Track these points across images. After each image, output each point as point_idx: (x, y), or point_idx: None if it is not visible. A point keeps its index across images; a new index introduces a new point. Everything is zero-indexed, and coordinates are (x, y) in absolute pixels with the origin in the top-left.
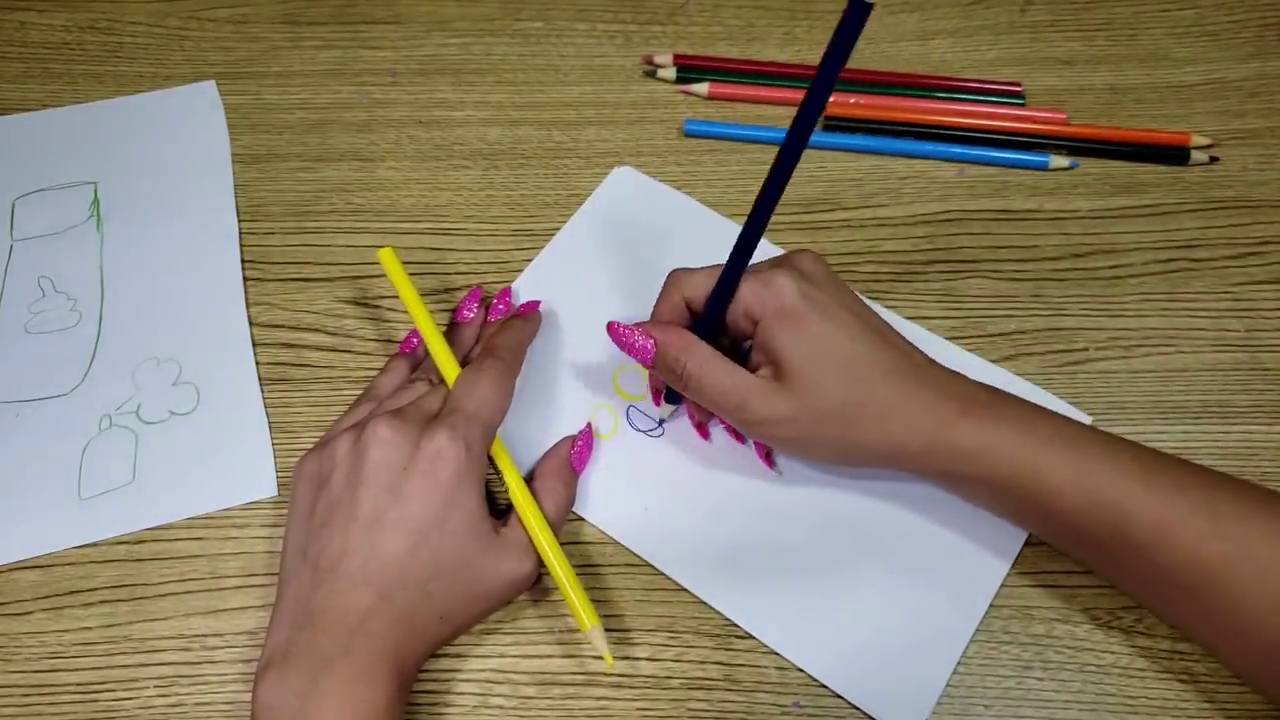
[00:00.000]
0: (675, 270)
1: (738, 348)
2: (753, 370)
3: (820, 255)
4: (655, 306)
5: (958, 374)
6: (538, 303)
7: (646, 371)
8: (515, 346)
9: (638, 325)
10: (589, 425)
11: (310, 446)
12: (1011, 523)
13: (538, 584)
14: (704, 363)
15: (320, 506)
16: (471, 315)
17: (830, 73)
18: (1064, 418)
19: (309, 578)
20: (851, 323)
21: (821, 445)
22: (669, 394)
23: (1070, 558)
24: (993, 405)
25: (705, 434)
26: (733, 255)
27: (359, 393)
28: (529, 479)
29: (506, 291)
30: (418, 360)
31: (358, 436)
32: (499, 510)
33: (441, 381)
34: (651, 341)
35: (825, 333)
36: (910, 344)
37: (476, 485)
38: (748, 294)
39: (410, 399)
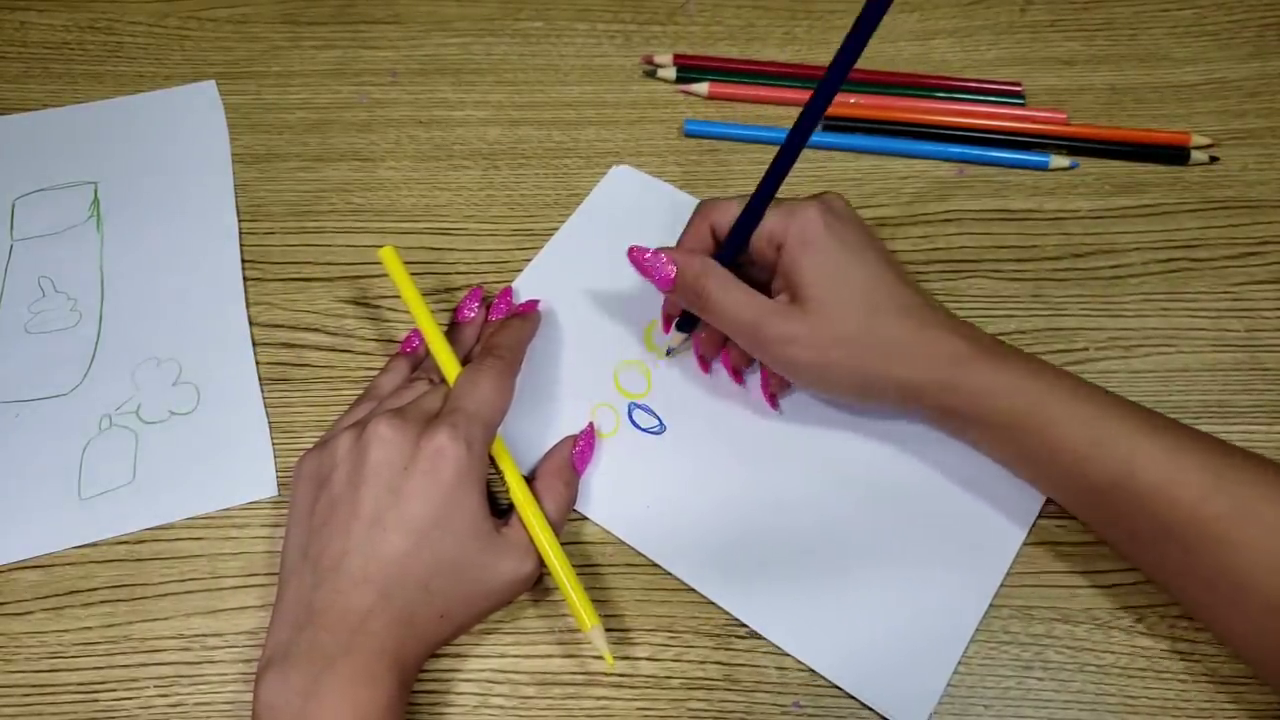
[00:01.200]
0: (705, 200)
1: (759, 288)
2: (774, 295)
3: (845, 197)
4: (682, 233)
5: (969, 323)
6: (536, 301)
7: (646, 371)
8: (515, 345)
9: (660, 249)
10: (590, 425)
11: (310, 446)
12: (1013, 470)
13: (538, 584)
14: (723, 283)
15: (321, 505)
16: (472, 315)
17: (859, 40)
18: (1070, 372)
19: (310, 577)
20: (872, 259)
21: (832, 371)
22: (680, 322)
23: (1069, 512)
24: (1002, 350)
25: (706, 367)
26: (762, 182)
27: (359, 393)
28: (530, 479)
29: (507, 291)
30: (418, 360)
31: (358, 435)
32: (501, 510)
33: (442, 381)
34: (674, 265)
35: (846, 262)
36: (924, 290)
37: (477, 484)
38: (774, 221)
39: (411, 398)
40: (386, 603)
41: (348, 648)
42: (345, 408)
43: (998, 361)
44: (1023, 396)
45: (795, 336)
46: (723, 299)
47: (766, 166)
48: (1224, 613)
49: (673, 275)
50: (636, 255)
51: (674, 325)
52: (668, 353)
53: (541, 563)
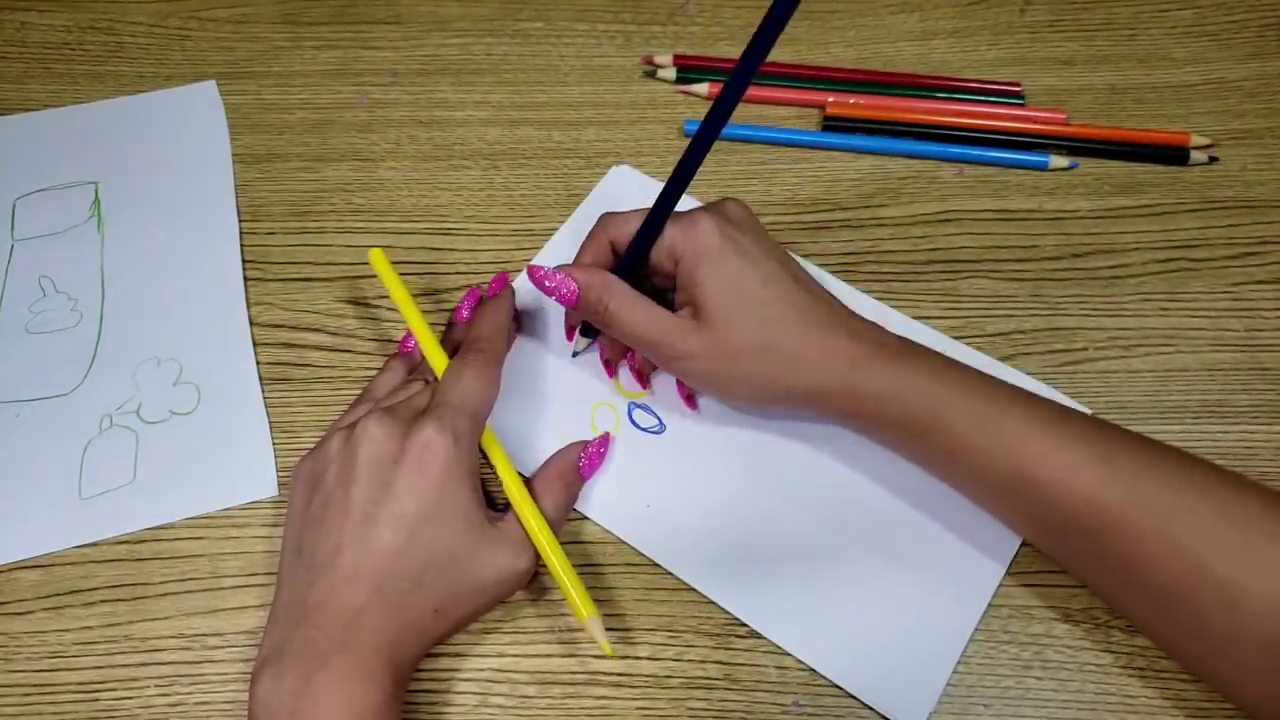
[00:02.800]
0: (605, 213)
1: (661, 296)
2: (675, 310)
3: (746, 203)
4: (581, 246)
5: (873, 323)
6: (504, 276)
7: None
8: (493, 333)
9: (559, 268)
10: (607, 435)
11: (311, 446)
12: (921, 467)
13: (536, 583)
14: (625, 301)
15: (314, 505)
16: (468, 315)
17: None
18: (975, 369)
19: (304, 575)
20: (768, 266)
21: (736, 382)
22: (583, 328)
23: (972, 502)
24: (904, 352)
25: (611, 372)
26: (659, 199)
27: (359, 393)
28: (531, 479)
29: (473, 291)
30: (415, 361)
31: (349, 435)
32: (498, 506)
33: (436, 381)
34: (574, 283)
35: (741, 271)
36: (827, 293)
37: (467, 476)
38: (672, 234)
39: (403, 398)
40: (380, 598)
41: (342, 644)
42: (345, 408)
43: (896, 364)
44: (921, 398)
45: (694, 352)
46: (624, 317)
47: (766, 166)
48: (1128, 598)
49: (576, 294)
50: (537, 275)
51: (577, 332)
52: (574, 355)
53: (538, 558)
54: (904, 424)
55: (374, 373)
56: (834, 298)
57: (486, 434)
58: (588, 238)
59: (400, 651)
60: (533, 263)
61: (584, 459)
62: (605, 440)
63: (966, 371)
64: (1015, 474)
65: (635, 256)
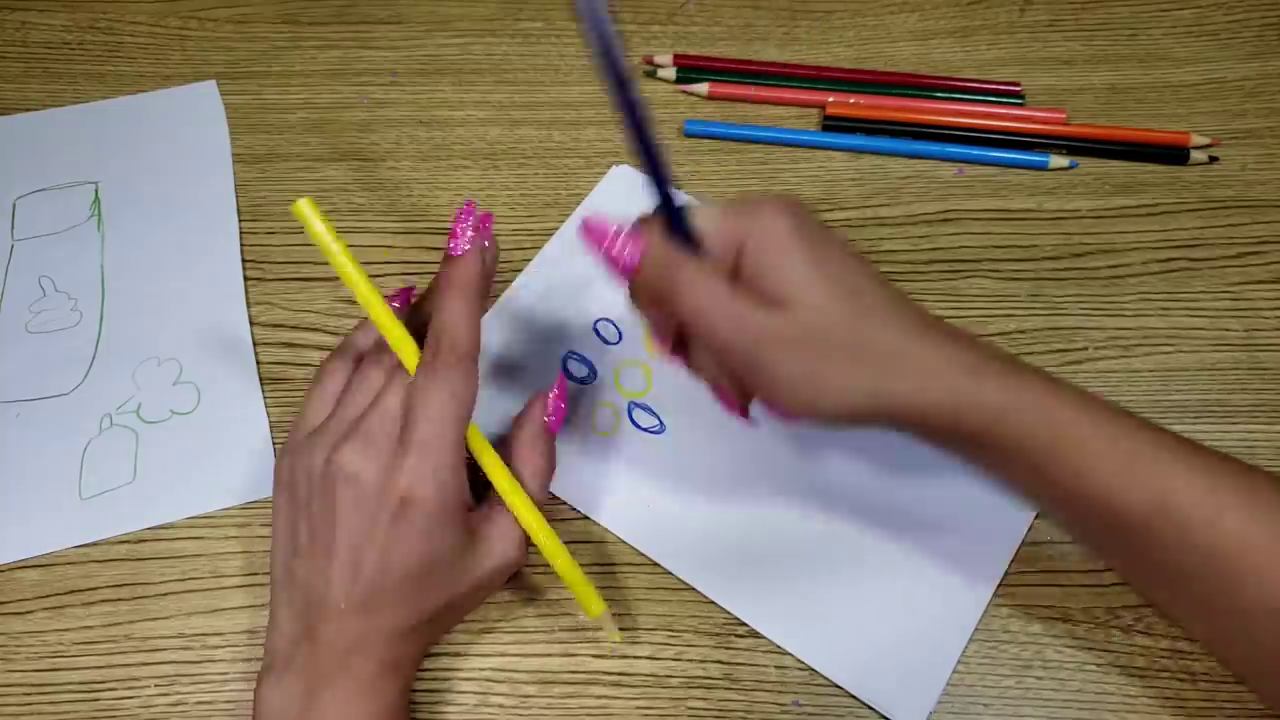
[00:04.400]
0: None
1: None
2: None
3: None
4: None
5: (967, 331)
6: (470, 210)
7: (646, 370)
8: (463, 321)
9: (620, 232)
10: (561, 375)
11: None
12: (1021, 495)
13: (534, 582)
14: (695, 278)
15: (301, 533)
16: (468, 246)
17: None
18: (1088, 391)
19: (299, 600)
20: (851, 258)
21: (825, 378)
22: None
23: (1079, 542)
24: (1015, 364)
25: (744, 413)
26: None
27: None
28: (504, 448)
29: (465, 212)
30: (402, 310)
31: (327, 461)
32: (481, 490)
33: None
34: (638, 248)
35: (824, 260)
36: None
37: (452, 511)
38: (733, 220)
39: (366, 400)
40: (378, 623)
41: (344, 666)
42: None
43: (1010, 375)
44: (1041, 414)
45: (780, 335)
46: (697, 289)
47: (766, 166)
48: (1265, 652)
49: (634, 261)
50: (594, 233)
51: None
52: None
53: (528, 541)
54: (1016, 446)
55: None
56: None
57: (472, 432)
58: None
59: (403, 662)
60: (586, 218)
61: (550, 414)
62: (562, 383)
63: (1081, 390)
64: (1153, 508)
65: (669, 204)
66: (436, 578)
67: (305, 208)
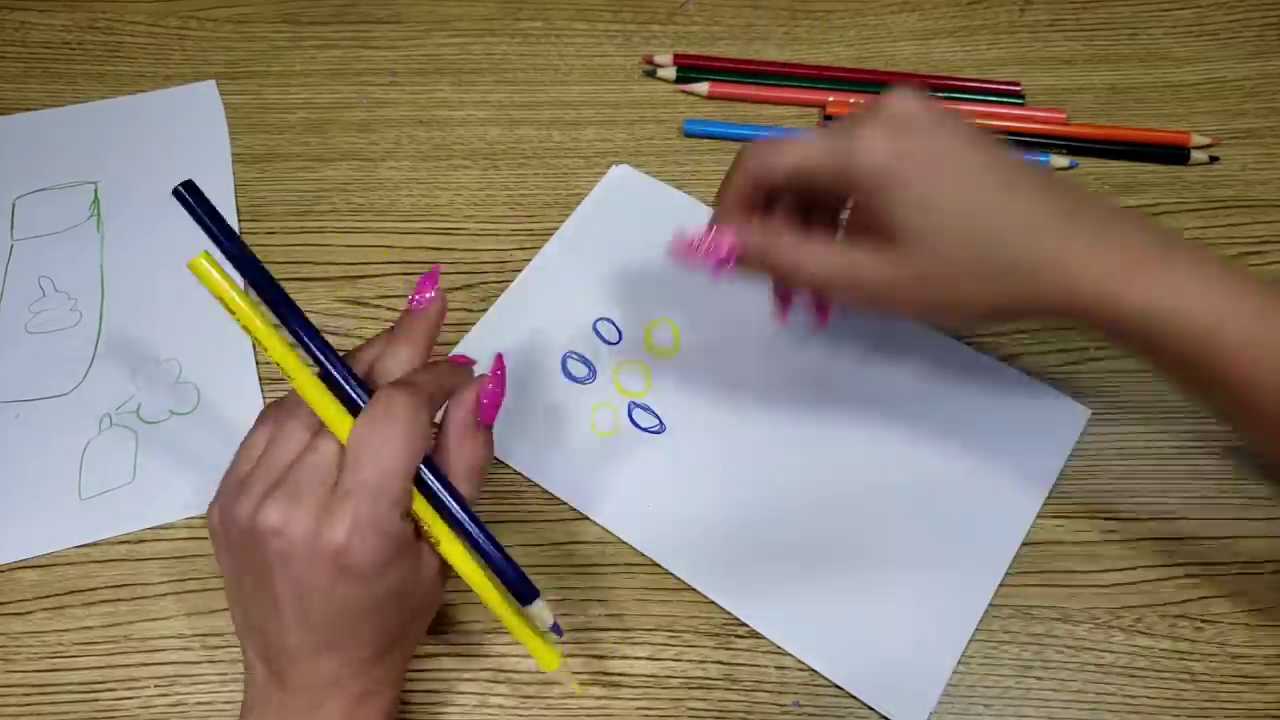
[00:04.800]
0: (748, 145)
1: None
2: (852, 231)
3: (917, 90)
4: (721, 195)
5: (1121, 213)
6: (435, 277)
7: (646, 370)
8: (438, 382)
9: (708, 226)
10: (499, 356)
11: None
12: (1196, 402)
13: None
14: (796, 245)
15: (246, 582)
16: (425, 304)
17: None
18: (1245, 274)
19: (261, 647)
20: (969, 168)
21: (959, 306)
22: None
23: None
24: (1167, 258)
25: (825, 317)
26: None
27: None
28: (436, 448)
29: (425, 279)
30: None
31: (254, 514)
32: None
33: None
34: (728, 239)
35: (935, 179)
36: (1054, 176)
37: (394, 555)
38: (832, 150)
39: (297, 447)
40: (342, 657)
41: (317, 706)
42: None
43: (1156, 276)
44: (1191, 320)
45: (895, 281)
46: (803, 262)
47: None
48: None
49: (734, 248)
50: (679, 248)
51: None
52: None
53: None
54: (1170, 349)
55: None
56: (1061, 182)
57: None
58: (726, 184)
59: (380, 683)
60: (672, 241)
61: (482, 401)
62: (499, 365)
63: (1236, 278)
64: None
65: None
66: (391, 608)
67: (204, 264)
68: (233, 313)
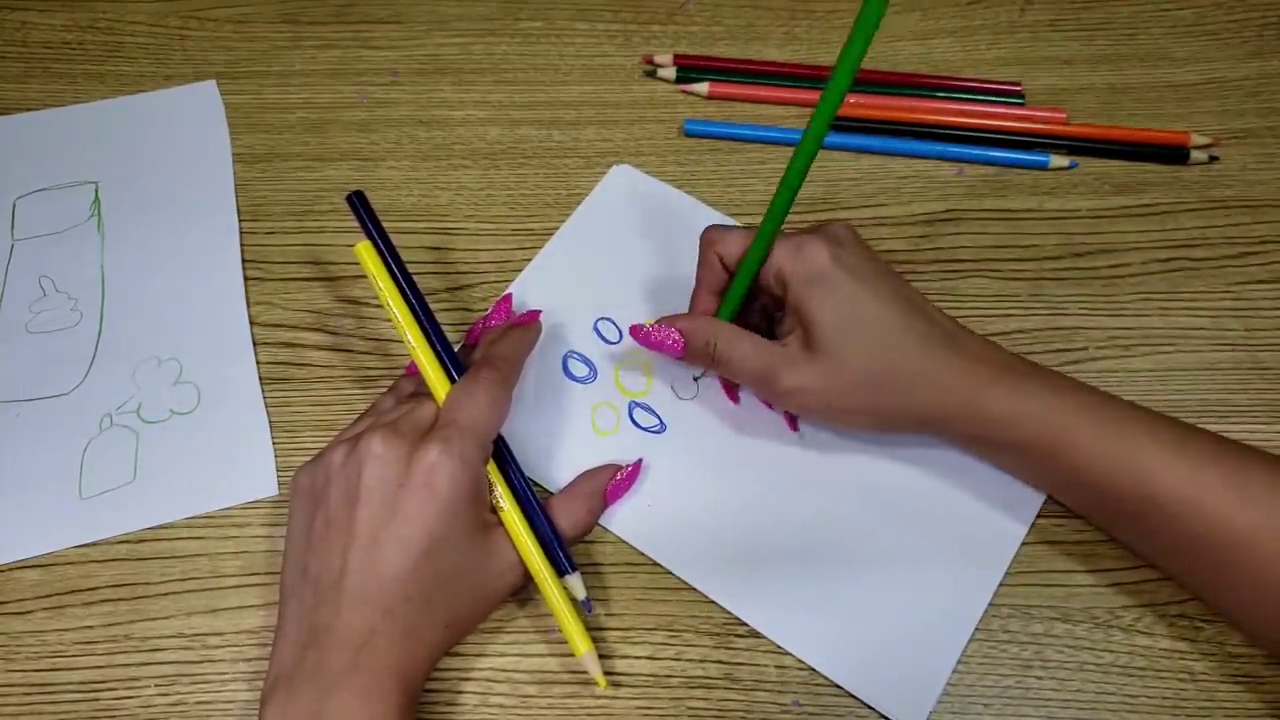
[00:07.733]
0: (710, 227)
1: (768, 316)
2: (784, 335)
3: (852, 225)
4: (698, 271)
5: (990, 341)
6: (538, 312)
7: (647, 370)
8: (513, 357)
9: (661, 321)
10: (640, 462)
11: (311, 446)
12: (1037, 488)
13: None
14: (730, 340)
15: (318, 524)
16: (487, 333)
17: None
18: (1095, 388)
19: (310, 597)
20: (882, 290)
21: (851, 414)
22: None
23: (1093, 525)
24: (1023, 373)
25: (735, 398)
26: (765, 221)
27: (360, 392)
28: (553, 497)
29: (507, 299)
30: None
31: (352, 449)
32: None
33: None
34: (677, 333)
35: (855, 298)
36: (941, 312)
37: (474, 498)
38: (780, 256)
39: (407, 411)
40: (389, 621)
41: (353, 666)
42: (345, 407)
43: (1015, 386)
44: (1044, 420)
45: (810, 387)
46: (732, 356)
47: (766, 166)
48: (1252, 620)
49: (682, 345)
50: (639, 334)
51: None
52: (694, 379)
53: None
54: (1024, 447)
55: (374, 373)
56: (946, 316)
57: (493, 467)
58: (700, 260)
59: (411, 669)
60: (632, 326)
61: (613, 483)
62: (638, 467)
63: (1085, 389)
64: (1143, 497)
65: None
66: (450, 578)
67: (368, 251)
68: (380, 290)
